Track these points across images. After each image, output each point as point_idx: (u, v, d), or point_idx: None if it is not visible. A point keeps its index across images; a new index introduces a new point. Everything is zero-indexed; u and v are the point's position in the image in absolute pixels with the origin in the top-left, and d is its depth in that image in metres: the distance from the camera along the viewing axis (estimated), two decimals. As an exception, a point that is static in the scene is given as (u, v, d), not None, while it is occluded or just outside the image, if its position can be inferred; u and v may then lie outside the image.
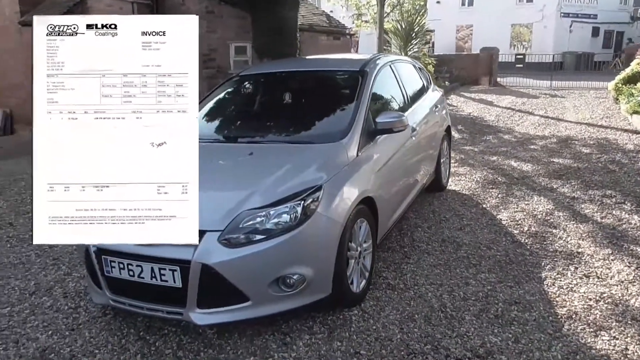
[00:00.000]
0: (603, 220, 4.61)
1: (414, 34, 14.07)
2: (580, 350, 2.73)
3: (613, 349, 2.73)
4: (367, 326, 3.03)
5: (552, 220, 4.67)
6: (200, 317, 2.72)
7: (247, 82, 4.50)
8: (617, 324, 2.96)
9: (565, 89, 16.34)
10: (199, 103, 4.08)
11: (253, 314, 2.76)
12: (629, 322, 2.97)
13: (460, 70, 18.38)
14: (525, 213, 4.86)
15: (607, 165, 6.47)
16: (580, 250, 3.99)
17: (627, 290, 3.33)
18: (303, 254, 2.78)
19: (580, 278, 3.53)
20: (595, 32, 28.98)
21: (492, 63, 18.30)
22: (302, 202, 2.80)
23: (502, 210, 4.97)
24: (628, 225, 4.46)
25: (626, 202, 5.04)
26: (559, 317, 3.04)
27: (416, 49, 14.39)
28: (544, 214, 4.83)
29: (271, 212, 2.75)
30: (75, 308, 3.40)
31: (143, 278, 2.76)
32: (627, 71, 12.30)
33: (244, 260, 2.64)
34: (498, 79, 18.55)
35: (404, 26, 14.03)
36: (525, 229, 4.48)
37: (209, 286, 2.65)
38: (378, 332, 2.97)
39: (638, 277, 3.50)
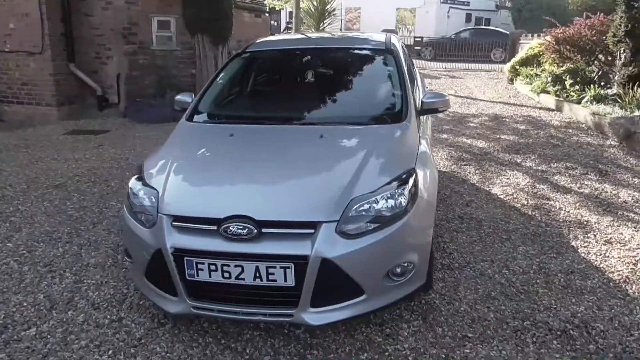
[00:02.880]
0: (582, 190, 5.04)
1: (326, 14, 14.09)
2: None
3: (677, 306, 3.01)
4: (455, 308, 3.00)
5: (539, 192, 5.00)
6: (314, 317, 2.48)
7: (263, 59, 4.14)
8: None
9: (459, 70, 17.56)
10: (213, 80, 3.70)
11: (367, 308, 2.58)
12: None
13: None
14: (513, 187, 5.14)
15: (550, 140, 7.08)
16: (585, 219, 4.33)
17: (649, 252, 3.69)
18: (413, 240, 2.65)
19: (604, 245, 3.83)
20: (468, 18, 31.44)
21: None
22: (407, 185, 2.66)
23: (490, 186, 5.20)
24: (606, 194, 4.93)
25: (589, 173, 5.57)
26: (617, 282, 3.28)
27: (328, 29, 14.44)
28: (529, 187, 5.15)
29: (379, 198, 2.57)
30: (118, 320, 2.91)
31: (243, 279, 2.44)
32: (522, 54, 13.51)
33: (363, 252, 2.44)
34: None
35: (316, 5, 13.97)
36: (524, 202, 4.75)
37: (327, 282, 2.41)
38: (469, 313, 2.95)
39: (649, 240, 3.89)
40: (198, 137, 3.31)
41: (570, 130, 7.71)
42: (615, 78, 9.03)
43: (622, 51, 8.94)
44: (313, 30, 14.06)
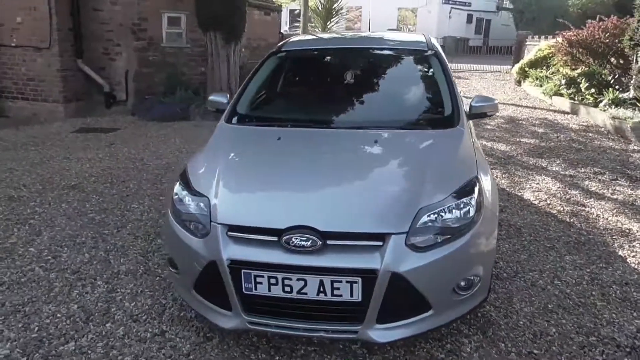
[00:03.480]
0: (616, 197, 4.93)
1: (334, 12, 13.94)
2: None
3: None
4: (514, 322, 2.87)
5: (573, 198, 4.88)
6: (380, 334, 2.33)
7: (301, 59, 3.99)
8: None
9: (465, 71, 17.46)
10: (249, 81, 3.54)
11: (434, 324, 2.44)
12: None
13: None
14: (544, 193, 5.02)
15: (572, 145, 6.98)
16: (626, 227, 4.21)
17: (700, 263, 3.58)
18: (480, 252, 2.51)
19: (651, 254, 3.71)
20: (469, 19, 31.42)
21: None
22: (473, 195, 2.52)
23: (522, 191, 5.08)
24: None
25: (619, 179, 5.46)
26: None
27: (335, 28, 14.30)
28: (560, 192, 5.03)
29: (446, 209, 2.42)
30: (161, 334, 2.76)
31: (305, 294, 2.29)
32: (530, 56, 13.42)
33: (433, 266, 2.30)
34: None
35: (323, 3, 13.82)
36: (559, 208, 4.63)
37: (394, 298, 2.27)
38: (530, 327, 2.82)
39: (696, 250, 3.77)
40: (243, 140, 3.15)
41: (591, 134, 7.60)
42: (632, 82, 8.94)
43: (639, 55, 8.85)
44: (319, 29, 13.91)
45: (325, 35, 4.20)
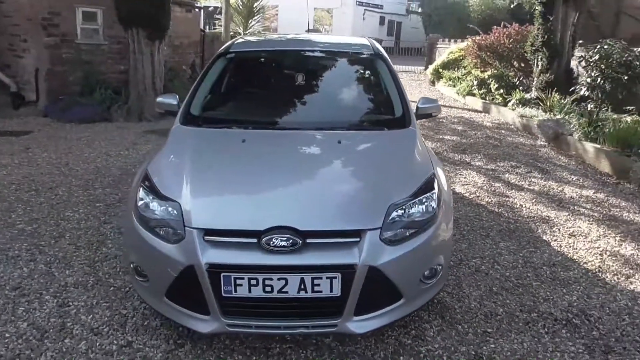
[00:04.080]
0: (533, 188, 5.45)
1: (255, 11, 13.89)
2: (634, 294, 3.28)
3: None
4: (467, 306, 3.12)
5: (497, 190, 5.32)
6: (358, 325, 2.45)
7: (252, 60, 4.00)
8: (631, 269, 3.62)
9: (380, 72, 18.09)
10: (200, 82, 3.53)
11: (404, 312, 2.60)
12: (637, 264, 3.67)
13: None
14: (472, 186, 5.43)
15: (489, 141, 7.56)
16: (545, 214, 4.68)
17: (610, 243, 4.07)
18: (442, 243, 2.71)
19: (570, 238, 4.17)
20: (381, 21, 32.57)
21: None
22: (435, 190, 2.72)
23: (452, 185, 5.44)
24: (554, 190, 5.37)
25: (533, 172, 6.03)
26: (594, 272, 3.58)
27: (256, 27, 14.26)
28: (486, 185, 5.47)
29: (412, 204, 2.60)
30: (128, 345, 2.69)
31: (286, 292, 2.36)
32: (443, 58, 14.25)
33: (404, 258, 2.46)
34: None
35: (244, 1, 13.72)
36: (487, 199, 5.03)
37: (370, 290, 2.40)
38: (480, 309, 3.08)
39: (604, 232, 4.29)
40: (206, 143, 3.13)
41: (503, 131, 8.27)
42: (534, 83, 9.83)
43: (539, 59, 9.75)
44: (241, 28, 13.80)
45: (270, 37, 4.24)
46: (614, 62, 7.20)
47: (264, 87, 3.87)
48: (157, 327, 2.83)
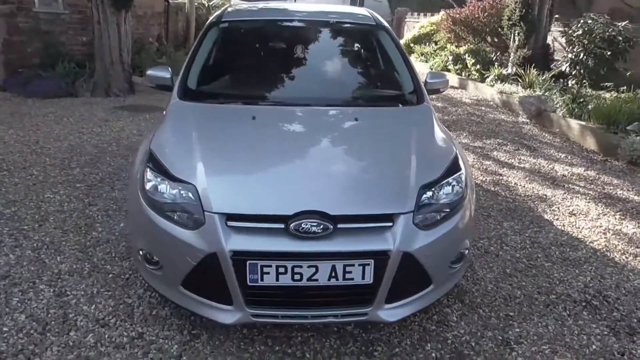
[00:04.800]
0: (523, 166, 5.45)
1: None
2: (643, 274, 3.31)
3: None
4: (483, 289, 3.06)
5: (489, 169, 5.29)
6: (390, 313, 2.34)
7: (249, 31, 3.73)
8: (637, 248, 3.65)
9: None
10: (194, 54, 3.28)
11: (434, 298, 2.51)
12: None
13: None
14: (464, 164, 5.37)
15: (471, 118, 7.53)
16: (542, 193, 4.68)
17: (611, 222, 4.10)
18: (468, 225, 2.61)
19: (570, 217, 4.18)
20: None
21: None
22: (462, 172, 2.61)
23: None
24: (544, 168, 5.38)
25: (520, 149, 6.04)
26: (602, 251, 3.59)
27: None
28: (477, 163, 5.43)
29: (441, 186, 2.48)
30: (139, 337, 2.49)
31: (316, 280, 2.21)
32: (414, 33, 14.13)
33: (437, 243, 2.34)
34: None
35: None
36: (481, 178, 4.99)
37: (403, 277, 2.28)
38: (498, 292, 3.03)
39: (603, 211, 4.32)
40: (212, 119, 2.89)
41: (483, 108, 8.27)
42: (510, 59, 9.85)
43: (516, 34, 9.77)
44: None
45: (262, 6, 4.00)
46: (597, 37, 7.23)
47: (264, 60, 3.63)
48: (167, 316, 2.65)
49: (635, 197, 4.62)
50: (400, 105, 3.17)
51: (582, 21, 7.50)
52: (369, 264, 2.21)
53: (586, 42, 7.43)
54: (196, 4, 12.28)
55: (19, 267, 3.07)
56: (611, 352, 2.55)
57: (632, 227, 3.99)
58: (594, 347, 2.58)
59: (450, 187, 2.51)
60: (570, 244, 3.68)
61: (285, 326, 2.56)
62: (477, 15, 11.39)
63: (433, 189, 2.44)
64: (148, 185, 2.44)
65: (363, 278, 2.23)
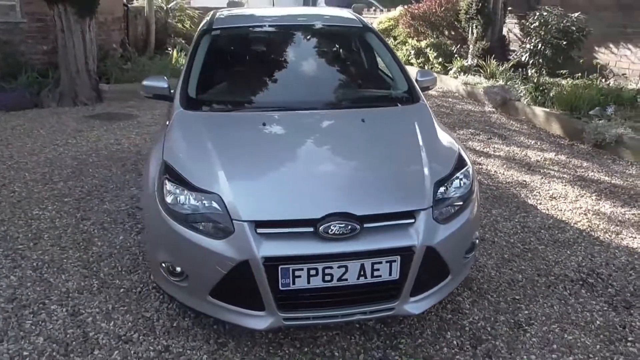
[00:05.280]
0: (499, 154, 5.68)
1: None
2: (634, 251, 3.53)
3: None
4: (487, 275, 3.21)
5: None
6: (415, 306, 2.45)
7: (242, 37, 3.74)
8: (616, 226, 3.90)
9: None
10: (191, 63, 3.29)
11: (451, 288, 2.64)
12: (620, 220, 3.95)
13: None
14: (444, 155, 5.56)
15: (440, 109, 7.75)
16: (521, 179, 4.90)
17: (589, 203, 4.35)
18: (477, 216, 2.74)
19: (551, 200, 4.41)
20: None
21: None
22: (469, 165, 2.74)
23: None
24: (518, 155, 5.63)
25: (493, 138, 6.28)
26: (587, 231, 3.81)
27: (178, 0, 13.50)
28: (456, 154, 5.61)
29: (452, 181, 2.60)
30: (166, 350, 2.50)
31: (346, 280, 2.29)
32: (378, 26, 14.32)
33: (454, 235, 2.47)
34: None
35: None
36: (462, 168, 5.17)
37: (425, 270, 2.39)
38: (501, 277, 3.19)
39: (580, 193, 4.57)
40: (222, 128, 2.90)
41: (450, 99, 8.52)
42: (470, 51, 10.18)
43: (474, 26, 10.10)
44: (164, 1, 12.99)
45: (253, 12, 3.99)
46: (553, 28, 7.59)
47: (262, 66, 3.65)
48: (190, 327, 2.66)
49: (606, 178, 4.91)
50: (399, 105, 3.27)
51: (538, 13, 7.84)
52: (395, 260, 2.30)
53: (543, 33, 7.79)
54: (155, 7, 12.03)
55: (23, 288, 3.00)
56: (614, 326, 2.74)
57: (608, 207, 4.25)
58: (597, 322, 2.77)
59: (459, 181, 2.64)
60: (557, 226, 3.89)
61: (310, 327, 2.62)
62: (434, 10, 11.65)
63: (445, 184, 2.55)
64: (169, 198, 2.44)
65: (390, 274, 2.32)
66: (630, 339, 2.64)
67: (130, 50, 10.30)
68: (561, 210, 4.20)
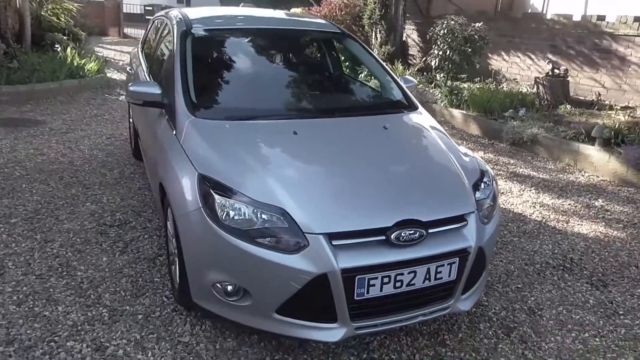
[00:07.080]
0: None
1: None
2: (586, 236, 4.05)
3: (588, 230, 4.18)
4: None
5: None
6: (465, 303, 2.61)
7: (225, 41, 3.55)
8: (563, 215, 4.45)
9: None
10: (185, 66, 3.13)
11: (485, 281, 2.83)
12: (563, 210, 4.51)
13: (86, 19, 16.58)
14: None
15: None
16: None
17: (532, 196, 4.87)
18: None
19: (502, 195, 4.86)
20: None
21: (119, 13, 17.38)
22: (488, 169, 2.96)
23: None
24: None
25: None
26: (543, 222, 4.28)
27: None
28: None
29: (480, 184, 2.80)
30: (228, 375, 2.35)
31: (414, 285, 2.37)
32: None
33: (494, 234, 2.68)
34: (126, 30, 17.78)
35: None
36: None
37: (474, 269, 2.56)
38: (498, 269, 3.47)
39: (521, 188, 5.10)
40: (254, 137, 2.76)
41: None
42: (375, 54, 10.71)
43: (378, 31, 10.65)
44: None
45: (231, 13, 3.78)
46: (459, 36, 8.31)
47: (258, 71, 3.51)
48: (236, 347, 2.54)
49: (534, 173, 5.54)
50: (404, 111, 3.39)
51: (445, 22, 8.53)
52: (454, 262, 2.42)
53: (450, 40, 8.48)
54: (30, -4, 10.76)
55: (16, 327, 2.60)
56: (604, 302, 3.15)
57: (549, 199, 4.81)
58: (591, 301, 3.16)
59: (484, 183, 2.84)
60: (518, 219, 4.32)
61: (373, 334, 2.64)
62: (334, 14, 12.03)
63: (478, 187, 2.74)
64: (222, 213, 2.30)
65: (449, 275, 2.44)
66: (620, 312, 3.06)
67: (14, 46, 9.15)
68: (513, 204, 4.66)
